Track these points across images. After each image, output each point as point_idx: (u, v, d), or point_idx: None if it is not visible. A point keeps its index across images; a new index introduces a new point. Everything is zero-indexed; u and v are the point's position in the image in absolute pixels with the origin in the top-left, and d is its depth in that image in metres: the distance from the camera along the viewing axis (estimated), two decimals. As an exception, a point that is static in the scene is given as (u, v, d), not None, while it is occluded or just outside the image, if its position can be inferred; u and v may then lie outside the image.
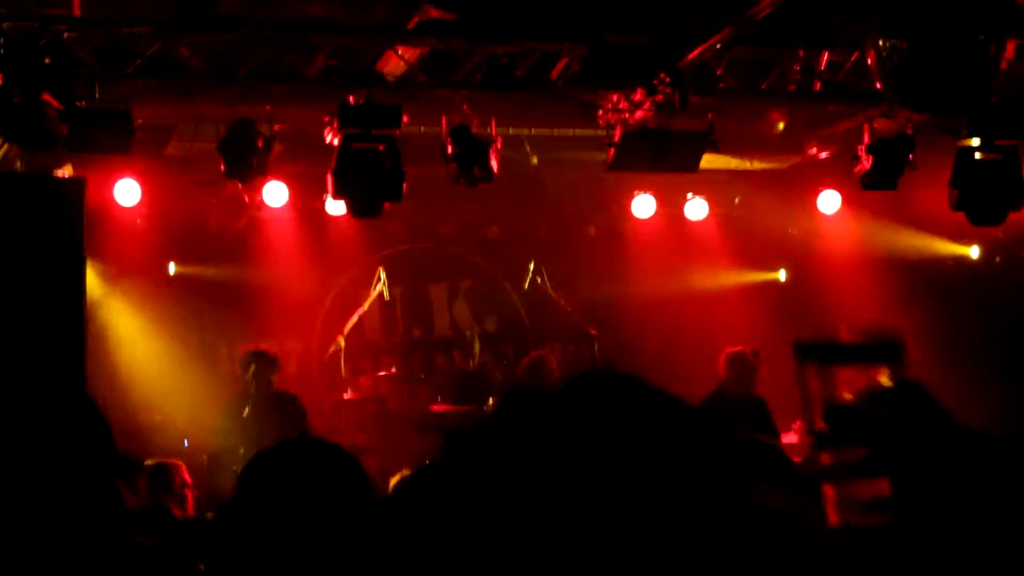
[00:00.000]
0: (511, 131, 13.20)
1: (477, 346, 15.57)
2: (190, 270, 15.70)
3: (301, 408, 13.10)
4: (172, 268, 15.67)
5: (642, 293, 16.23)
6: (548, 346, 16.51)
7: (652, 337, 16.19)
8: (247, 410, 12.63)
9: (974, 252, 16.51)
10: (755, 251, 16.68)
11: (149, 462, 8.82)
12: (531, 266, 16.08)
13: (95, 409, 3.14)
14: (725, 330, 16.00)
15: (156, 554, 3.52)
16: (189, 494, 8.68)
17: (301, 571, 3.07)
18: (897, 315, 16.58)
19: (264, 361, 13.08)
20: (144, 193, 14.68)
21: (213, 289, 15.69)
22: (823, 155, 14.69)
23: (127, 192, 14.44)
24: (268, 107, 12.31)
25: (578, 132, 13.52)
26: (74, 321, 10.91)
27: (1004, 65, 8.35)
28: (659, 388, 1.70)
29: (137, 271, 15.38)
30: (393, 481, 8.62)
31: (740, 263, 16.67)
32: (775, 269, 16.87)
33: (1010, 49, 8.36)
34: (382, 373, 15.13)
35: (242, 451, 12.10)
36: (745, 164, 14.98)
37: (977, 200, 12.46)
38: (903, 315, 16.67)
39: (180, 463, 9.05)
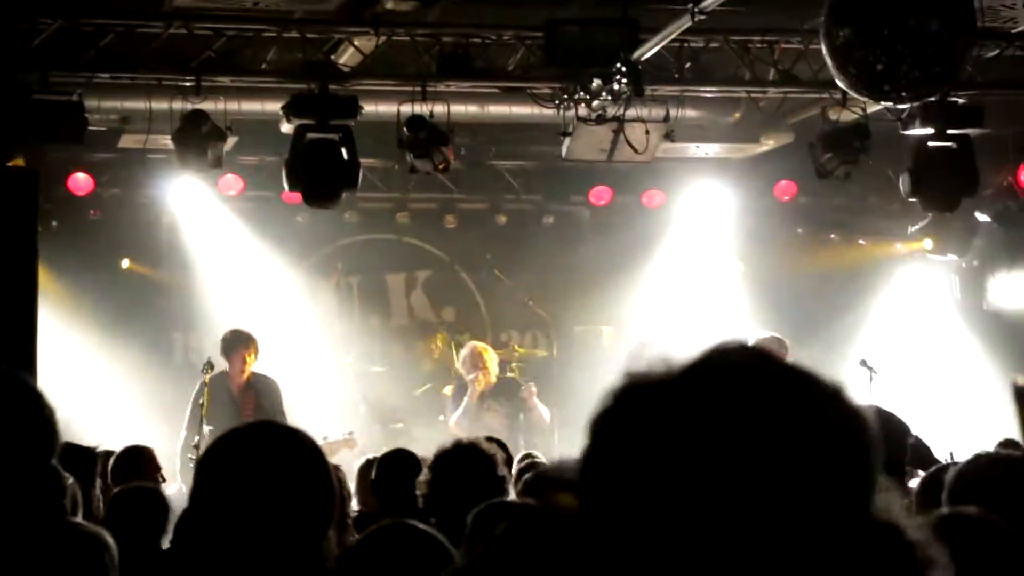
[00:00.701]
0: (467, 121, 13.18)
1: (441, 338, 15.59)
2: (144, 261, 15.61)
3: (278, 391, 12.89)
4: (126, 262, 15.57)
5: (600, 282, 16.23)
6: (506, 335, 16.53)
7: (609, 326, 16.21)
8: (204, 398, 12.46)
9: (927, 244, 16.61)
10: (712, 240, 16.70)
11: (99, 447, 8.74)
12: (488, 256, 16.09)
13: (38, 398, 3.12)
14: (683, 319, 16.05)
15: (94, 539, 3.50)
16: (160, 479, 8.65)
17: (260, 553, 3.06)
18: (853, 305, 16.66)
19: (240, 341, 12.84)
20: (98, 185, 14.63)
21: (168, 279, 15.62)
22: (779, 144, 14.71)
23: (81, 184, 14.39)
24: (223, 98, 12.26)
25: (534, 122, 13.49)
26: (26, 312, 10.85)
27: (957, 53, 8.41)
28: (792, 364, 1.52)
29: (91, 262, 15.29)
30: (357, 466, 8.61)
31: (697, 253, 16.69)
32: (733, 259, 16.89)
33: (963, 37, 8.41)
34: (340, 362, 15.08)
35: (197, 439, 12.00)
36: (701, 153, 14.99)
37: (930, 187, 12.53)
38: (859, 305, 16.76)
39: (151, 448, 9.02)
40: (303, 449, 3.21)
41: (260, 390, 12.70)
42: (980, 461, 4.54)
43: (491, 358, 13.56)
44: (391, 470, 7.08)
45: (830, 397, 1.50)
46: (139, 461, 8.53)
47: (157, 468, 8.72)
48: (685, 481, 1.43)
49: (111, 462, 8.43)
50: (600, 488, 1.48)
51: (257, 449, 3.18)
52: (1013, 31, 11.78)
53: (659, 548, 1.44)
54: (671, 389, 1.49)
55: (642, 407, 1.49)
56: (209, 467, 3.21)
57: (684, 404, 1.47)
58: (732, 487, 1.43)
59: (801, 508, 1.43)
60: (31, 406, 3.09)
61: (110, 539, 3.56)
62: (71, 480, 5.44)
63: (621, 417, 1.51)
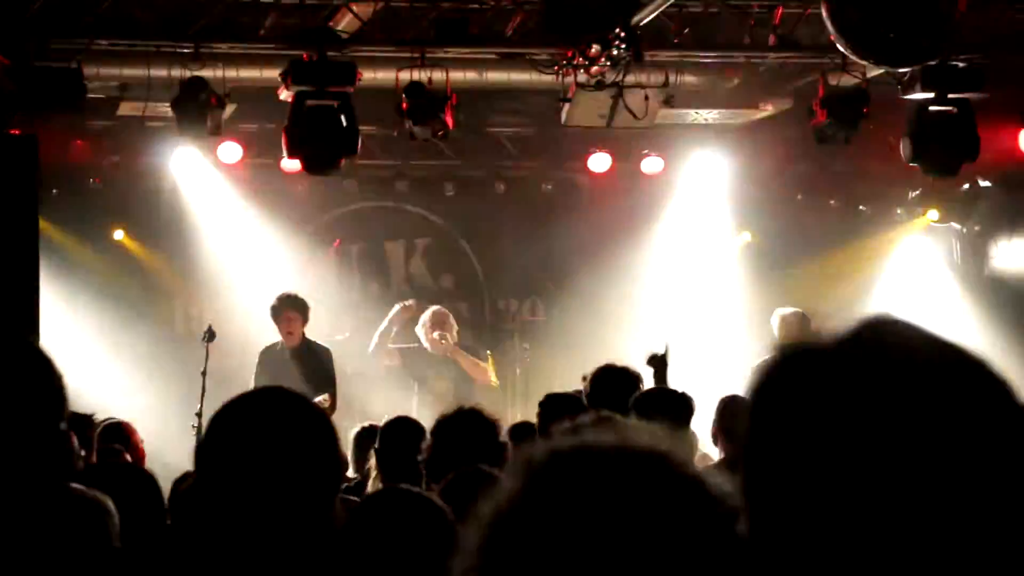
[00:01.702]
0: (466, 87, 13.13)
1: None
2: (144, 228, 15.59)
3: (329, 359, 12.91)
4: (119, 233, 15.54)
5: (599, 249, 16.20)
6: (504, 302, 16.53)
7: (609, 293, 16.18)
8: (205, 367, 12.41)
9: (932, 215, 16.61)
10: (711, 207, 16.67)
11: (96, 415, 8.73)
12: (487, 223, 16.05)
13: (48, 363, 3.12)
14: (683, 286, 16.05)
15: (97, 505, 3.49)
16: (142, 455, 8.64)
17: (266, 520, 3.04)
18: (853, 272, 16.65)
19: (284, 306, 12.84)
20: (96, 153, 14.62)
21: (167, 248, 15.61)
22: (778, 110, 14.66)
23: (80, 152, 14.40)
24: (221, 65, 12.23)
25: (533, 88, 13.46)
26: (28, 278, 10.86)
27: (957, 17, 8.38)
28: (943, 337, 1.47)
29: (91, 230, 15.29)
30: (352, 433, 8.61)
31: (696, 219, 16.66)
32: (733, 226, 16.84)
33: (963, 1, 8.38)
34: (338, 336, 15.06)
35: (199, 408, 11.97)
36: (700, 119, 14.94)
37: (931, 152, 12.49)
38: (860, 272, 16.75)
39: (130, 423, 8.99)
40: (308, 416, 3.19)
41: (311, 357, 12.72)
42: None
43: (453, 325, 13.62)
44: (394, 437, 7.07)
45: (996, 376, 1.46)
46: (123, 435, 8.48)
47: (140, 442, 8.68)
48: (860, 451, 1.38)
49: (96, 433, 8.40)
50: (766, 465, 1.43)
51: (261, 417, 3.16)
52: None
53: (827, 520, 1.39)
54: (840, 358, 1.44)
55: (811, 376, 1.44)
56: (213, 436, 3.19)
57: (855, 373, 1.42)
58: (906, 457, 1.38)
59: (974, 484, 1.39)
60: (41, 370, 3.08)
61: (111, 505, 3.55)
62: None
63: (791, 387, 1.45)
